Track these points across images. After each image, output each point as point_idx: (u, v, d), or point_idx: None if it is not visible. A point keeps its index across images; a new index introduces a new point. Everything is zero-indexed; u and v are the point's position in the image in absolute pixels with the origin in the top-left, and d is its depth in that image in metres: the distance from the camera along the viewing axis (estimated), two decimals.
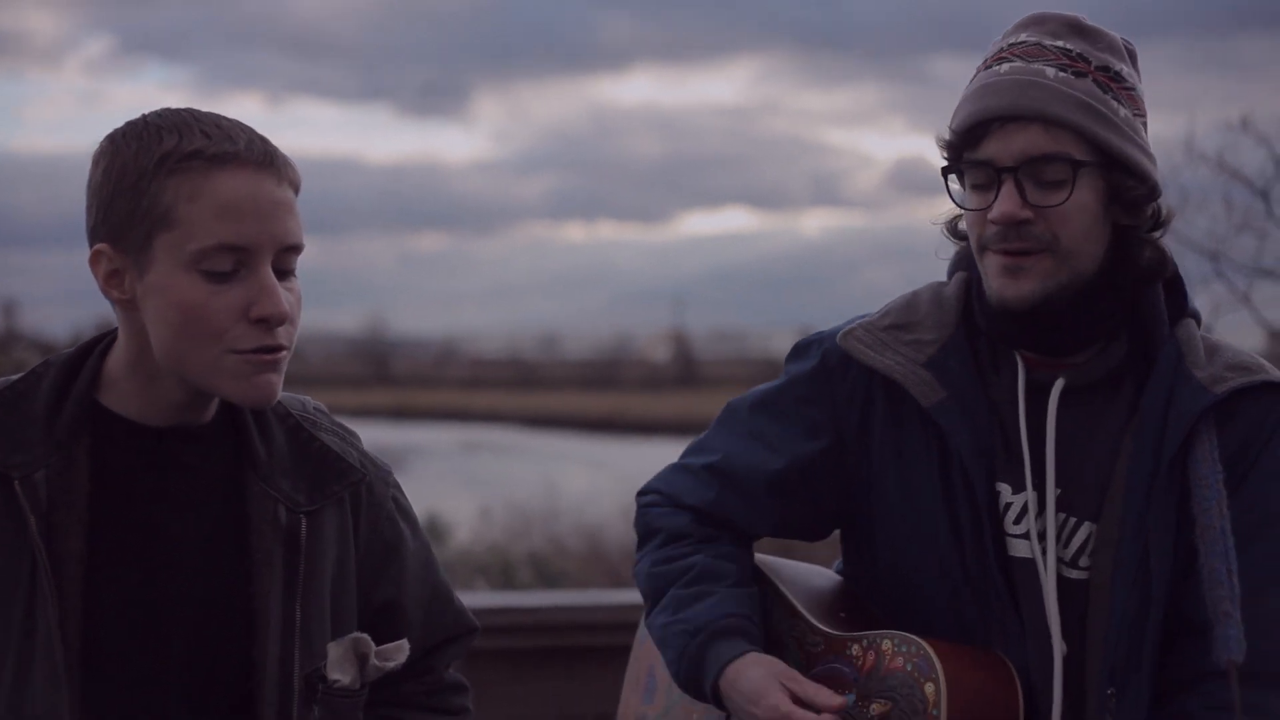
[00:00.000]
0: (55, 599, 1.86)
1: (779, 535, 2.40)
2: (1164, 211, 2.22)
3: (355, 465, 2.06)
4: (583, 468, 24.83)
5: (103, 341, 1.98)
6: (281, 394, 1.95)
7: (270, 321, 1.88)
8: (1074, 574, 2.20)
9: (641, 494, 2.45)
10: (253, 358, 1.88)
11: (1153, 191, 2.18)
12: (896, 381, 2.23)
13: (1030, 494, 2.20)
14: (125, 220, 1.86)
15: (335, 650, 2.02)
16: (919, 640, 2.16)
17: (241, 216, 1.86)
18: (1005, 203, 2.13)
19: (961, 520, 2.22)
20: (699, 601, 2.27)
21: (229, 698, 1.95)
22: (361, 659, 2.04)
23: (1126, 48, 2.23)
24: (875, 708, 2.17)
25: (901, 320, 2.28)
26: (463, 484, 21.47)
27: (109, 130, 1.91)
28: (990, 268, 2.18)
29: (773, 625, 2.35)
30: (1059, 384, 2.21)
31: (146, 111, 1.92)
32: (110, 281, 1.90)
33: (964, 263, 2.31)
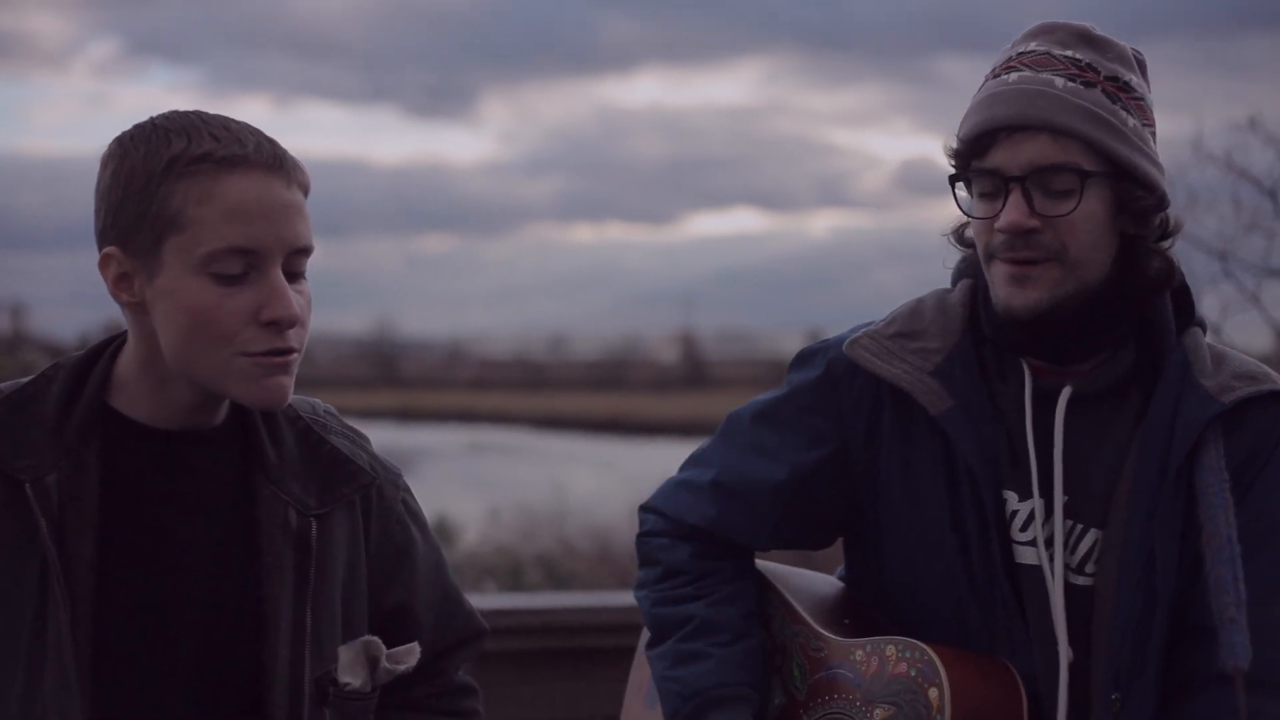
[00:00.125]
0: (66, 602, 1.86)
1: (782, 546, 2.40)
2: (1172, 221, 2.22)
3: (365, 468, 2.06)
4: (591, 469, 24.85)
5: (112, 344, 1.98)
6: (292, 397, 1.95)
7: (281, 324, 1.87)
8: (1080, 580, 2.20)
9: (643, 510, 2.45)
10: (263, 360, 1.88)
11: (1161, 201, 2.18)
12: (904, 390, 2.23)
13: (1037, 501, 2.20)
14: (134, 224, 1.86)
15: (346, 653, 2.02)
16: (923, 646, 2.16)
17: (251, 219, 1.85)
18: (1012, 212, 2.13)
19: (968, 527, 2.21)
20: (695, 663, 2.28)
21: (239, 701, 1.95)
22: (372, 662, 2.04)
23: (1136, 58, 2.23)
24: (879, 713, 2.16)
25: (907, 328, 2.28)
26: (470, 485, 21.49)
27: (115, 132, 1.91)
28: (997, 276, 2.17)
29: (775, 631, 2.35)
30: (1066, 392, 2.21)
31: (155, 114, 1.92)
32: (120, 285, 1.90)
33: (969, 270, 2.31)
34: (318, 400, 2.11)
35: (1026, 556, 2.21)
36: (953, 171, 2.21)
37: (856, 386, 2.29)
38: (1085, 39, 2.19)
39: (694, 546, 2.36)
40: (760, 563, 2.42)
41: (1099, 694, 2.17)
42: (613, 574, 10.78)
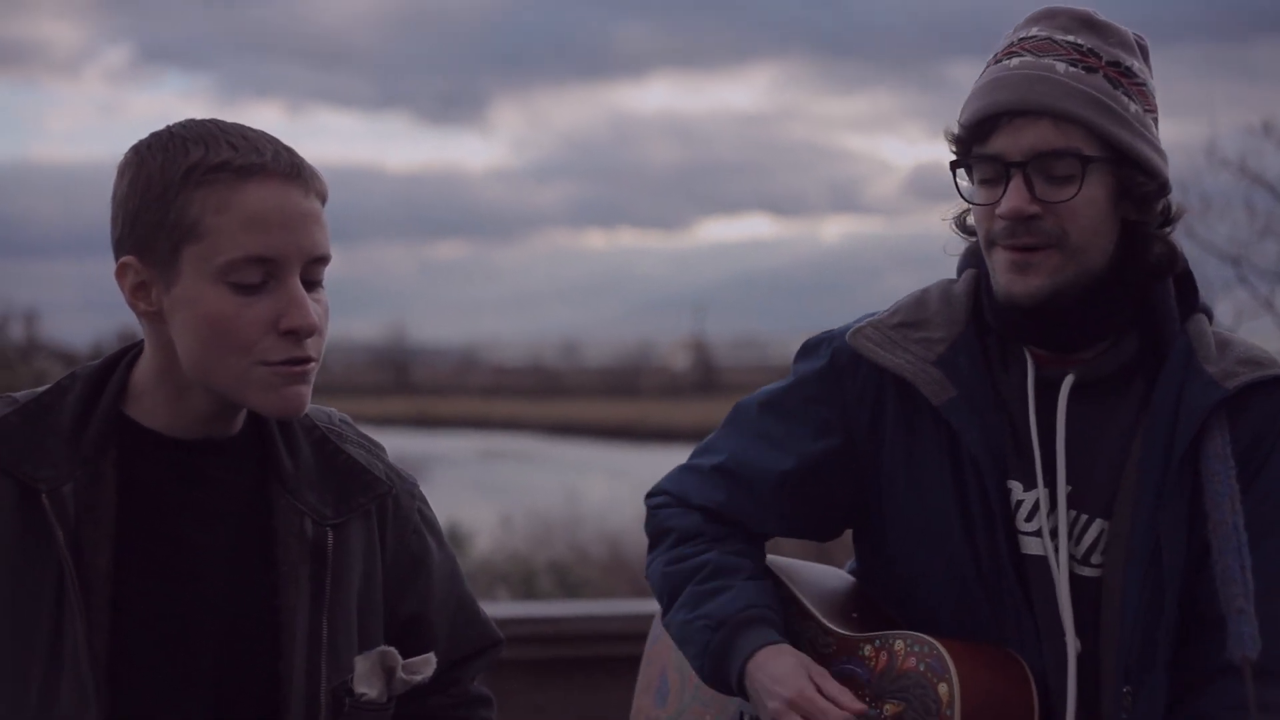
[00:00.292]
0: (83, 612, 1.86)
1: (789, 535, 2.40)
2: (1174, 207, 2.22)
3: (381, 478, 2.05)
4: (604, 476, 24.82)
5: (129, 353, 1.97)
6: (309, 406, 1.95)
7: (299, 333, 1.87)
8: (1086, 571, 2.20)
9: (650, 496, 2.45)
10: (282, 369, 1.87)
11: (1162, 187, 2.18)
12: (907, 380, 2.23)
13: (1041, 491, 2.19)
14: (152, 232, 1.86)
15: (362, 664, 2.01)
16: (932, 640, 2.15)
17: (269, 228, 1.85)
18: (1013, 198, 2.12)
19: (973, 518, 2.21)
20: (718, 596, 2.27)
21: (255, 711, 1.94)
22: (388, 672, 2.03)
23: (1138, 43, 2.22)
24: (888, 708, 2.16)
25: (911, 318, 2.28)
26: (483, 492, 21.47)
27: (128, 139, 1.91)
28: (998, 263, 2.17)
29: (785, 627, 2.34)
30: (1068, 380, 2.20)
31: (171, 122, 1.91)
32: (137, 294, 1.90)
33: (974, 260, 2.30)
34: (333, 409, 2.11)
35: (1032, 547, 2.20)
36: (953, 158, 2.20)
37: (860, 377, 2.29)
38: (1087, 24, 2.19)
39: (705, 515, 2.36)
40: (769, 557, 2.41)
41: (1109, 687, 2.16)
42: (626, 581, 10.77)
